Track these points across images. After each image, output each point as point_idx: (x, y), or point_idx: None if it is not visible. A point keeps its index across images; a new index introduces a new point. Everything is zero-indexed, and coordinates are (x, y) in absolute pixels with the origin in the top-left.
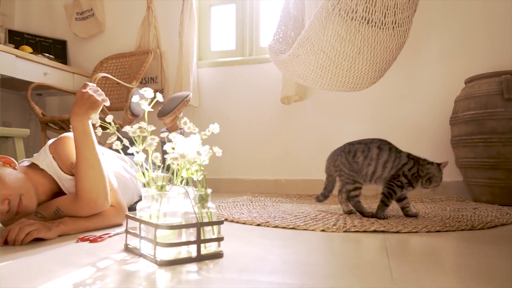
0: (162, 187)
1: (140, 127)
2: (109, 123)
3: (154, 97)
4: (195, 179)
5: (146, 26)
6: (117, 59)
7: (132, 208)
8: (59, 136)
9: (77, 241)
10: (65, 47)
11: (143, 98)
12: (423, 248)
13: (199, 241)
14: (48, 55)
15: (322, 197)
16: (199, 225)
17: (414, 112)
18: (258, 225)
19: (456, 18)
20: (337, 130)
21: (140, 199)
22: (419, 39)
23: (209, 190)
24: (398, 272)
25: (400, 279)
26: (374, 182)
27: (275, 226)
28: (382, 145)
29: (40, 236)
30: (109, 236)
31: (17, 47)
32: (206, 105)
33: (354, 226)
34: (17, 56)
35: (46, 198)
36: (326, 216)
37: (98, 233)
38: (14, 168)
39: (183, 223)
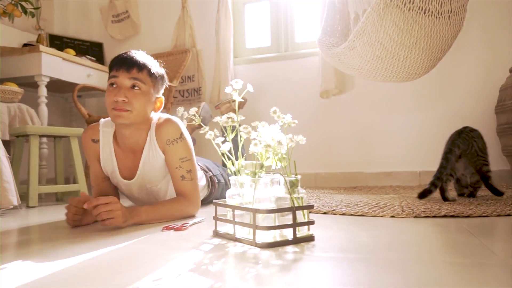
0: (255, 174)
1: (229, 117)
2: (193, 115)
3: (244, 88)
4: (277, 166)
5: (181, 26)
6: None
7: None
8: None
9: (163, 230)
10: (101, 50)
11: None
12: (505, 229)
13: (295, 224)
14: (90, 57)
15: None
16: (294, 209)
17: (457, 102)
18: (325, 213)
19: (497, 6)
20: (377, 123)
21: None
22: None
23: (299, 176)
24: (496, 248)
25: (503, 254)
26: None
27: (343, 214)
28: None
29: (114, 225)
30: (190, 225)
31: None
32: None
33: (424, 212)
34: (63, 59)
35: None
36: (388, 204)
37: (178, 223)
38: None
39: (276, 207)
